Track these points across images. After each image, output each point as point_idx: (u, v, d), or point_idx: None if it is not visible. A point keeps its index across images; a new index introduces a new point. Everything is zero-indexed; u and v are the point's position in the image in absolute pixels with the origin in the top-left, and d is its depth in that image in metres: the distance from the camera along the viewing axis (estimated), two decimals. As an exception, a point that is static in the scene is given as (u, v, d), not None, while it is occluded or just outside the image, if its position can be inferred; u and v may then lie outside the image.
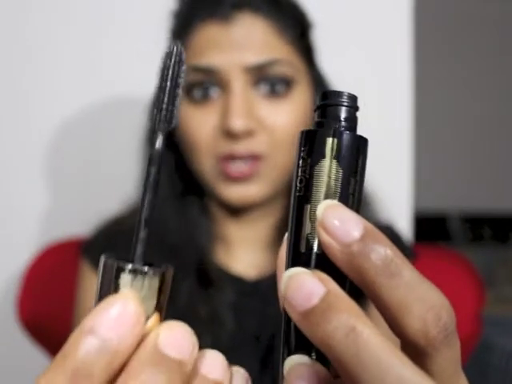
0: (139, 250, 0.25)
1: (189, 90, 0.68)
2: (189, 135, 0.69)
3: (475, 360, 1.49)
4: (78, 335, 0.21)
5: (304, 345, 0.24)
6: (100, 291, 0.24)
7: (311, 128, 0.25)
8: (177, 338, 0.22)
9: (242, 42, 0.66)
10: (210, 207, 0.74)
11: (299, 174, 0.24)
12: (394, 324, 0.22)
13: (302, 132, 0.25)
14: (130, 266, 0.23)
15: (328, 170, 0.24)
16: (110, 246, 0.74)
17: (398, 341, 0.23)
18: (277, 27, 0.68)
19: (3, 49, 0.99)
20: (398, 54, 1.05)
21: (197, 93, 0.68)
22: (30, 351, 0.93)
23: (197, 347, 0.22)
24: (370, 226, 0.23)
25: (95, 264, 0.73)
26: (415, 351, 0.22)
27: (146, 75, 0.85)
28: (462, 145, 2.67)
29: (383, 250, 0.22)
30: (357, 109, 0.25)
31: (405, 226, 1.03)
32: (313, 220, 0.24)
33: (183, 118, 0.69)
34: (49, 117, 1.00)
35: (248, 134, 0.66)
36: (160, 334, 0.22)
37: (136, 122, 0.81)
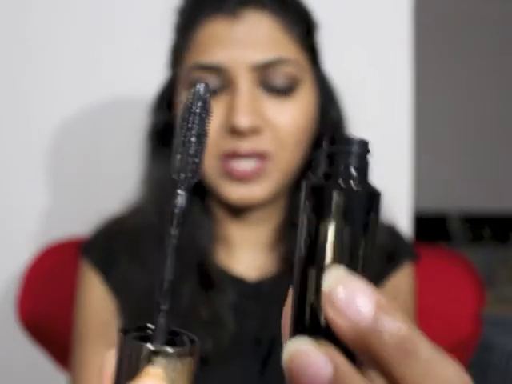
0: (162, 324, 0.22)
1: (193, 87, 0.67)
2: None
3: (475, 360, 1.49)
4: None
5: None
6: (122, 376, 0.22)
7: (317, 181, 0.23)
8: None
9: (248, 39, 0.65)
10: (212, 208, 0.74)
11: (303, 232, 0.22)
12: None
13: (307, 184, 0.22)
14: (158, 348, 0.21)
15: (335, 230, 0.21)
16: (110, 246, 0.74)
17: None
18: (283, 24, 0.67)
19: (3, 49, 0.99)
20: (398, 54, 1.05)
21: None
22: (30, 351, 0.93)
23: None
24: (382, 299, 0.20)
25: (95, 264, 0.73)
26: None
27: (146, 75, 0.85)
28: (462, 145, 2.67)
29: (397, 328, 0.20)
30: (367, 156, 0.23)
31: (405, 226, 1.03)
32: (318, 287, 0.21)
33: None
34: (49, 117, 1.00)
35: (253, 131, 0.65)
36: None
37: (136, 122, 0.81)
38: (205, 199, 0.73)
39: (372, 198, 0.22)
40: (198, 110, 0.23)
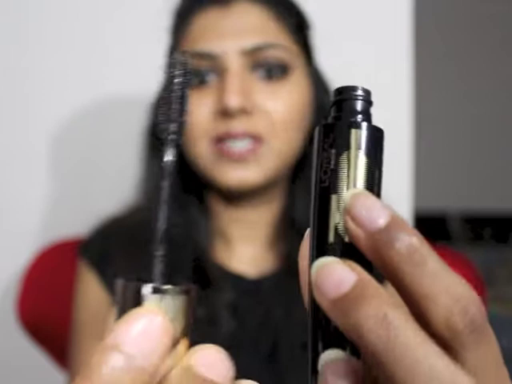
0: (159, 268, 0.23)
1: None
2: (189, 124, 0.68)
3: (475, 360, 1.48)
4: (101, 352, 0.21)
5: (338, 339, 0.23)
6: (120, 314, 0.22)
7: (331, 122, 0.25)
8: (213, 360, 0.22)
9: (239, 27, 0.68)
10: (209, 203, 0.74)
11: (323, 165, 0.24)
12: (419, 315, 0.22)
13: (322, 125, 0.25)
14: (155, 286, 0.22)
15: (353, 159, 0.24)
16: (107, 246, 0.74)
17: None
18: (274, 14, 0.69)
19: (3, 49, 0.99)
20: (398, 54, 1.05)
21: (194, 79, 0.68)
22: (30, 351, 0.93)
23: (232, 372, 0.23)
24: (395, 214, 0.22)
25: (92, 263, 0.73)
26: (442, 346, 0.21)
27: (146, 75, 0.85)
28: (462, 145, 2.67)
29: (408, 239, 0.22)
30: (371, 103, 0.26)
31: (405, 226, 1.03)
32: (341, 210, 0.24)
33: None
34: (48, 117, 1.00)
35: (244, 111, 0.66)
36: (195, 355, 0.22)
37: (136, 122, 0.81)
38: (202, 196, 0.73)
39: (379, 133, 0.25)
40: (178, 73, 0.24)
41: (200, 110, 0.68)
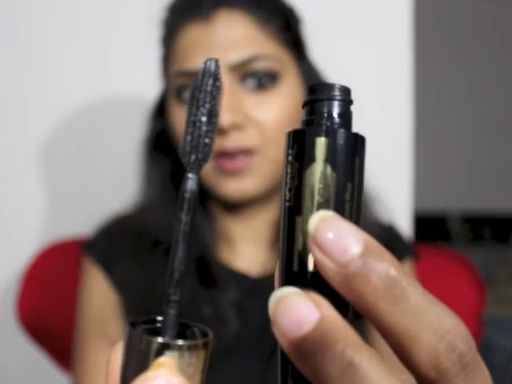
0: (174, 315, 0.21)
1: (178, 93, 0.69)
2: (180, 136, 0.69)
3: (475, 360, 1.48)
4: None
5: (299, 378, 0.20)
6: (128, 369, 0.20)
7: (299, 128, 0.22)
8: None
9: (224, 41, 0.67)
10: (210, 207, 0.74)
11: (288, 181, 0.21)
12: (401, 354, 0.19)
13: (289, 132, 0.22)
14: (172, 342, 0.20)
15: (320, 175, 0.21)
16: (113, 244, 0.74)
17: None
18: (258, 22, 0.68)
19: (2, 48, 0.99)
20: (398, 54, 1.05)
21: (186, 94, 0.68)
22: (30, 351, 0.93)
23: None
24: (370, 240, 0.19)
25: (98, 260, 0.74)
26: None
27: (146, 75, 0.85)
28: (462, 145, 2.67)
29: (385, 270, 0.19)
30: (350, 102, 0.22)
31: (405, 226, 1.03)
32: (305, 234, 0.21)
33: (174, 119, 0.70)
34: (49, 116, 1.00)
35: (235, 128, 0.66)
36: None
37: (137, 122, 0.81)
38: (203, 199, 0.74)
39: (356, 141, 0.21)
40: (208, 88, 0.21)
41: None
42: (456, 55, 2.62)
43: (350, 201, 0.21)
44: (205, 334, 0.22)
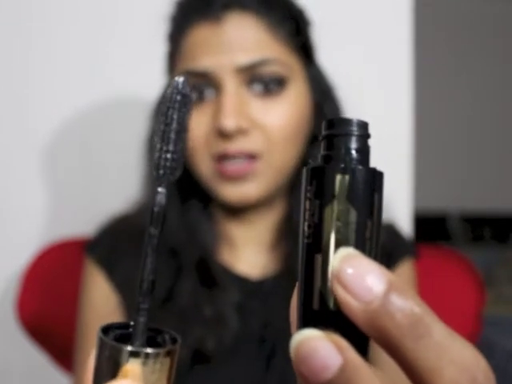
0: (142, 324, 0.21)
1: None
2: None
3: (475, 360, 1.48)
4: None
5: None
6: (101, 376, 0.21)
7: (317, 164, 0.22)
8: None
9: (233, 43, 0.66)
10: (211, 209, 0.74)
11: (306, 217, 0.21)
12: None
13: (308, 169, 0.22)
14: (138, 350, 0.21)
15: (340, 212, 0.21)
16: (115, 244, 0.75)
17: None
18: (268, 25, 0.68)
19: (3, 49, 0.99)
20: (399, 54, 1.05)
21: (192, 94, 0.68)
22: (30, 351, 0.93)
23: None
24: (393, 278, 0.19)
25: (100, 261, 0.74)
26: None
27: (148, 75, 0.85)
28: (462, 145, 2.67)
29: (409, 308, 0.19)
30: (368, 137, 0.22)
31: (405, 226, 1.03)
32: (325, 272, 0.20)
33: None
34: (49, 116, 1.00)
35: (240, 132, 0.66)
36: None
37: (137, 122, 0.81)
38: (205, 201, 0.74)
39: (375, 177, 0.21)
40: (176, 105, 0.22)
41: (199, 128, 0.68)
42: (456, 55, 2.62)
43: (370, 238, 0.21)
44: (174, 341, 0.22)
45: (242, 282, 0.72)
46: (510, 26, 2.65)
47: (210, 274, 0.71)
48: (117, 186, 0.95)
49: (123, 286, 0.72)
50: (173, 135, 0.22)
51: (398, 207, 1.03)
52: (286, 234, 0.73)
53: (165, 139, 0.21)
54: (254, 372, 0.69)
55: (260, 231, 0.74)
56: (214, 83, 0.67)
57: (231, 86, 0.66)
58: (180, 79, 0.22)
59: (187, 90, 0.22)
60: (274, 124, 0.67)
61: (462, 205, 2.64)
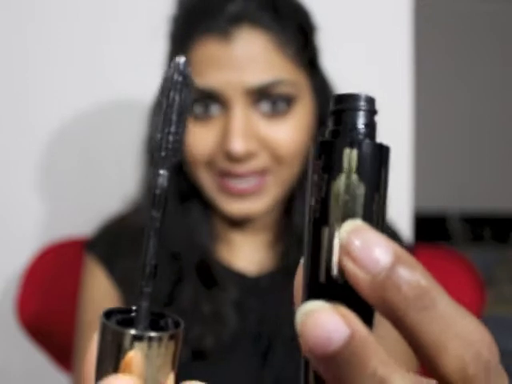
0: (145, 307, 0.21)
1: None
2: (189, 150, 0.68)
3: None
4: None
5: None
6: (103, 361, 0.21)
7: (325, 138, 0.22)
8: None
9: (243, 61, 0.64)
10: (211, 212, 0.75)
11: (314, 192, 0.21)
12: (428, 363, 0.20)
13: (316, 144, 0.22)
14: (142, 333, 0.21)
15: (348, 186, 0.20)
16: (115, 242, 0.75)
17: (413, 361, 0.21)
18: (278, 42, 0.66)
19: (3, 50, 0.99)
20: (398, 54, 1.05)
21: (198, 109, 0.66)
22: (30, 351, 0.93)
23: None
24: (400, 250, 0.19)
25: (100, 258, 0.74)
26: None
27: (146, 77, 0.85)
28: (462, 145, 2.67)
29: (416, 280, 0.19)
30: (375, 112, 0.22)
31: (405, 226, 1.03)
32: (332, 245, 0.20)
33: None
34: (49, 117, 1.00)
35: (248, 156, 0.65)
36: None
37: (136, 123, 0.81)
38: (204, 202, 0.74)
39: (382, 151, 0.21)
40: (178, 86, 0.21)
41: (204, 143, 0.66)
42: (456, 55, 2.62)
43: (377, 212, 0.21)
44: (177, 325, 0.22)
45: (239, 278, 0.73)
46: (510, 26, 2.65)
47: (211, 275, 0.71)
48: (115, 186, 0.95)
49: (123, 282, 0.72)
50: (174, 117, 0.21)
51: (398, 207, 1.03)
52: (282, 233, 0.74)
53: (166, 121, 0.21)
54: (251, 368, 0.69)
55: (257, 230, 0.75)
56: (221, 101, 0.66)
57: (240, 107, 0.65)
58: (181, 60, 0.22)
59: (188, 70, 0.22)
60: (281, 143, 0.66)
61: (461, 205, 2.64)
